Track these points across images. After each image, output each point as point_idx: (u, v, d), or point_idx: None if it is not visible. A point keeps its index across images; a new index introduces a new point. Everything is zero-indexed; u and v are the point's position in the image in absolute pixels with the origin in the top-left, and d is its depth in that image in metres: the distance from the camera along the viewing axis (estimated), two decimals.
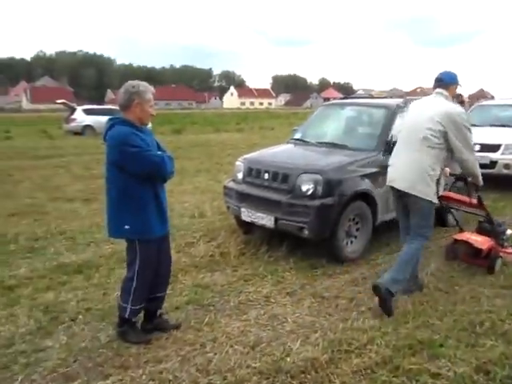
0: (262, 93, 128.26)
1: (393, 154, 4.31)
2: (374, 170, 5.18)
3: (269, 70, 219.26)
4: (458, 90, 4.43)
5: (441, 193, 4.16)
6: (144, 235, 3.27)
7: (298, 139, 6.21)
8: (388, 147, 5.33)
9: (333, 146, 5.62)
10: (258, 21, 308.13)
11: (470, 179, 4.51)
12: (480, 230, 5.08)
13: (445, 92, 4.07)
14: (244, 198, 5.34)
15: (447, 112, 3.88)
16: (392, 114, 5.61)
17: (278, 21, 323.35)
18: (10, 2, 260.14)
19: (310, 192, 4.80)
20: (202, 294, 4.18)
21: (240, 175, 5.56)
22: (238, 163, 5.70)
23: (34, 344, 3.33)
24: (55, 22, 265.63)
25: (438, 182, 3.96)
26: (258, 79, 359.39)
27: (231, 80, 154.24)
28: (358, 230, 5.16)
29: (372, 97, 9.47)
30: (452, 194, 4.98)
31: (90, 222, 6.40)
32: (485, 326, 3.65)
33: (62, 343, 3.34)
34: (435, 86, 4.14)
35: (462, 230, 5.17)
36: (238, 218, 5.58)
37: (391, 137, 5.39)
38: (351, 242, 5.13)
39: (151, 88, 3.34)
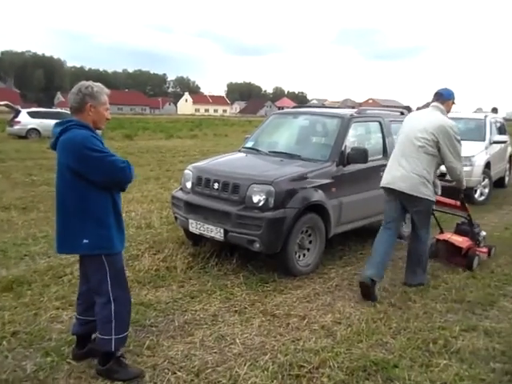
0: (217, 100, 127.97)
1: (391, 159, 4.70)
2: (327, 181, 5.05)
3: (224, 78, 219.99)
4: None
5: (439, 193, 4.65)
6: (106, 250, 2.90)
7: (249, 148, 6.00)
8: (342, 158, 5.23)
9: (285, 155, 5.45)
10: (214, 28, 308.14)
11: (454, 183, 4.91)
12: (459, 231, 5.57)
13: (441, 106, 4.55)
14: (192, 208, 5.07)
15: (441, 125, 4.36)
16: (346, 124, 5.51)
17: (233, 29, 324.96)
18: None
19: (261, 203, 4.60)
20: (144, 314, 3.87)
21: (189, 184, 5.28)
22: (186, 172, 5.43)
23: None
24: (1, 20, 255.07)
25: (434, 184, 4.49)
26: (213, 86, 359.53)
27: (186, 86, 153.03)
28: (310, 242, 5.01)
29: (324, 106, 9.44)
30: (441, 198, 5.12)
31: (25, 234, 5.92)
32: (438, 344, 3.56)
33: None
34: (434, 100, 4.62)
35: (442, 231, 5.61)
36: (186, 229, 5.30)
37: (345, 147, 5.28)
38: (304, 255, 4.97)
39: (106, 90, 3.01)
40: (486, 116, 10.21)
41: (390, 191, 4.59)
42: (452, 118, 6.11)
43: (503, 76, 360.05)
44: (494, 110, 11.36)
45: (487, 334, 3.77)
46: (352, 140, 5.48)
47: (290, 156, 5.43)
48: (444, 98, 4.60)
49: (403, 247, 6.04)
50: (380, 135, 6.01)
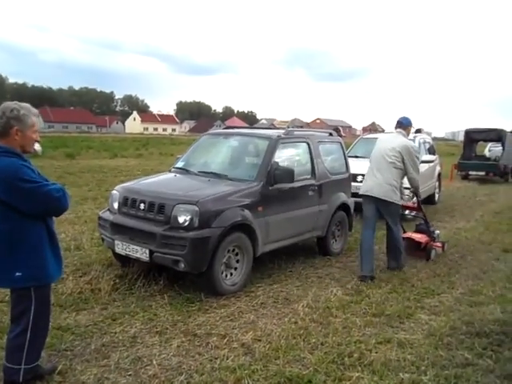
0: (166, 119, 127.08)
1: (367, 172, 5.93)
2: (254, 200, 5.14)
3: (173, 97, 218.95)
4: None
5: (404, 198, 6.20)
6: (41, 281, 2.83)
7: (179, 168, 6.03)
8: (269, 178, 5.35)
9: (214, 175, 5.51)
10: (162, 47, 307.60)
11: (412, 190, 6.32)
12: (418, 230, 6.92)
13: (403, 131, 5.89)
14: (118, 229, 5.02)
15: (405, 145, 5.69)
16: (274, 144, 5.65)
17: (182, 48, 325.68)
18: None
19: (186, 223, 4.62)
20: (60, 338, 3.77)
21: (115, 205, 5.23)
22: (113, 192, 5.38)
23: None
24: None
25: (400, 191, 5.79)
26: (163, 105, 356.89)
27: (134, 105, 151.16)
28: (238, 261, 5.06)
29: (250, 127, 9.64)
30: (406, 203, 6.86)
31: None
32: (353, 357, 3.68)
33: None
34: (396, 127, 5.96)
35: (404, 231, 6.78)
36: (113, 250, 5.22)
37: (271, 167, 5.41)
38: (231, 274, 5.01)
39: (34, 110, 2.89)
40: (415, 137, 10.74)
41: (367, 197, 5.79)
42: None
43: (444, 97, 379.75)
44: (418, 131, 11.94)
45: (400, 346, 3.93)
46: (279, 160, 5.62)
47: (218, 176, 5.50)
48: (404, 125, 5.93)
49: (332, 264, 6.25)
50: (308, 156, 6.20)
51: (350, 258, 6.62)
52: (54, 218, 3.04)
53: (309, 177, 6.11)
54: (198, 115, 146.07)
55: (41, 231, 2.84)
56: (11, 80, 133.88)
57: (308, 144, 6.22)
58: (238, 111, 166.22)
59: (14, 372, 2.87)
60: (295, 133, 6.42)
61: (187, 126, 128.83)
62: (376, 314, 4.57)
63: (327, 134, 7.01)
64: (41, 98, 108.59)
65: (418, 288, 5.39)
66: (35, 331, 2.88)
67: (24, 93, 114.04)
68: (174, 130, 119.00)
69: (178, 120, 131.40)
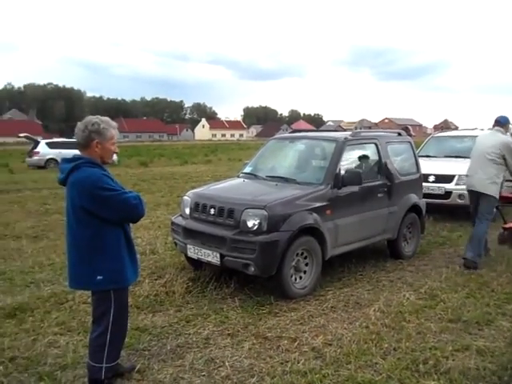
0: (234, 124, 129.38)
1: (469, 169, 6.27)
2: (322, 203, 5.12)
3: (240, 103, 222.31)
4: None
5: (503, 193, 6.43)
6: (120, 284, 3.01)
7: (247, 173, 6.13)
8: (337, 180, 5.31)
9: (281, 180, 5.56)
10: (227, 54, 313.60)
11: None
12: None
13: (501, 129, 6.19)
14: (190, 233, 5.19)
15: (504, 142, 6.00)
16: (340, 147, 5.60)
17: (247, 55, 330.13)
18: None
19: (255, 227, 4.69)
20: (138, 338, 3.96)
21: (187, 210, 5.42)
22: (185, 198, 5.57)
23: None
24: (24, 55, 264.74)
25: (501, 186, 6.15)
26: (230, 111, 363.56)
27: (203, 112, 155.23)
28: (307, 265, 5.06)
29: (316, 130, 9.58)
30: (505, 193, 6.79)
31: (32, 262, 6.11)
32: (428, 364, 3.57)
33: None
34: (494, 125, 6.28)
35: (505, 222, 6.67)
36: (185, 254, 5.41)
37: (339, 170, 5.37)
38: (300, 278, 5.02)
39: (114, 124, 3.07)
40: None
41: (470, 192, 6.25)
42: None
43: None
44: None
45: (480, 354, 3.75)
46: (347, 162, 5.56)
47: (286, 180, 5.54)
48: (501, 123, 6.25)
49: (404, 267, 6.08)
50: (376, 157, 6.08)
51: (423, 261, 6.40)
52: (132, 224, 3.21)
53: (377, 178, 6.00)
54: (264, 120, 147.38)
55: (119, 237, 3.00)
56: (89, 94, 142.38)
57: (376, 145, 6.10)
58: (304, 114, 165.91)
59: (97, 370, 3.05)
60: (362, 134, 6.33)
61: (254, 130, 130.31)
62: (452, 320, 4.39)
63: (396, 134, 6.84)
64: (116, 109, 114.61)
65: (498, 293, 5.10)
66: (115, 331, 3.05)
67: (100, 106, 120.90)
68: (241, 135, 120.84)
69: (245, 125, 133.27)
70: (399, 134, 6.84)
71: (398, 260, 6.33)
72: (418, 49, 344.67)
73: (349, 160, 5.69)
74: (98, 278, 2.92)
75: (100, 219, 2.89)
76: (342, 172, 5.36)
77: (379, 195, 5.92)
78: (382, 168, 6.06)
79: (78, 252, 2.96)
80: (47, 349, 3.77)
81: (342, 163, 5.48)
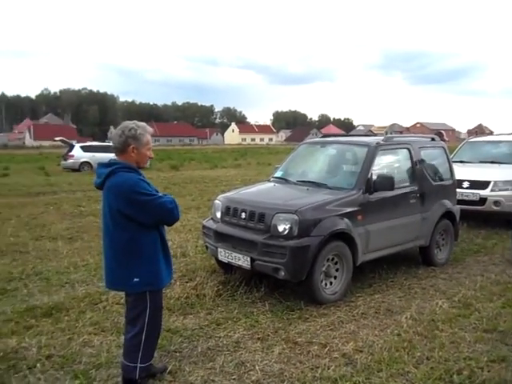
0: (263, 129, 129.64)
1: None
2: (353, 209, 5.09)
3: (270, 107, 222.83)
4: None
5: None
6: (154, 286, 3.07)
7: (278, 177, 6.14)
8: (368, 186, 5.27)
9: (312, 184, 5.54)
10: (257, 59, 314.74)
11: None
12: None
13: None
14: (221, 237, 5.24)
15: None
16: (373, 152, 5.55)
17: (277, 60, 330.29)
18: (14, 41, 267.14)
19: (285, 232, 4.70)
20: (170, 340, 4.01)
21: (218, 214, 5.47)
22: (216, 201, 5.62)
23: None
24: (60, 61, 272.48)
25: None
26: (260, 116, 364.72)
27: (233, 116, 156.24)
28: (337, 270, 5.03)
29: (347, 134, 9.50)
30: None
31: (68, 262, 6.27)
32: (463, 375, 3.49)
33: None
34: None
35: None
36: (216, 257, 5.45)
37: (371, 175, 5.32)
38: (330, 283, 4.99)
39: (150, 129, 3.13)
40: None
41: None
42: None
43: None
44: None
45: None
46: (378, 167, 5.51)
47: (317, 185, 5.52)
48: None
49: (436, 275, 5.96)
50: (409, 162, 6.00)
51: (457, 269, 6.26)
52: (166, 227, 3.26)
53: (410, 184, 5.91)
54: (294, 124, 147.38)
55: (155, 240, 3.06)
56: (122, 99, 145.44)
57: (409, 150, 6.02)
58: (334, 119, 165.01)
59: (131, 369, 3.11)
60: (395, 139, 6.25)
61: (283, 135, 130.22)
62: (488, 330, 4.28)
63: (429, 139, 6.74)
64: (148, 114, 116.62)
65: None
66: (149, 332, 3.10)
67: (133, 110, 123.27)
68: (270, 139, 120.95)
69: (274, 129, 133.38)
70: (433, 139, 6.73)
71: (430, 267, 6.21)
72: (452, 51, 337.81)
73: (381, 165, 5.63)
74: (135, 280, 2.98)
75: (137, 223, 2.94)
76: (374, 177, 5.31)
77: (412, 201, 5.84)
78: (414, 173, 5.97)
79: (115, 254, 3.02)
80: (82, 348, 3.86)
81: (373, 168, 5.43)
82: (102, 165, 3.09)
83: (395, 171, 5.90)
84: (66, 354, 3.75)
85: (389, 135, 6.75)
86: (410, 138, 6.59)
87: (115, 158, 3.10)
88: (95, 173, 3.14)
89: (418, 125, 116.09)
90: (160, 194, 3.02)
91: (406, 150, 6.02)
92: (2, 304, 4.82)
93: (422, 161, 6.11)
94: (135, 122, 3.11)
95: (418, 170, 5.99)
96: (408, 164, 6.02)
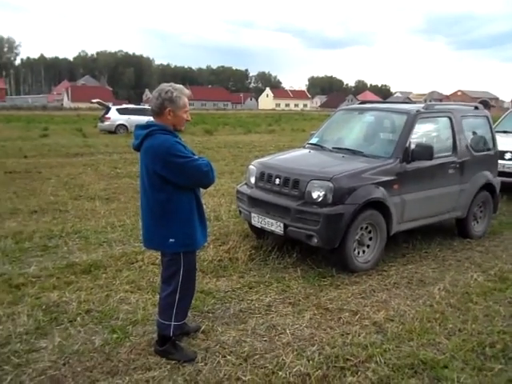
0: (298, 94, 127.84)
1: None
2: (389, 178, 5.00)
3: (305, 72, 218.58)
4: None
5: None
6: (189, 247, 3.13)
7: (314, 144, 6.07)
8: (406, 155, 5.15)
9: (348, 152, 5.46)
10: (294, 22, 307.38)
11: None
12: None
13: None
14: (255, 202, 5.26)
15: None
16: (412, 120, 5.39)
17: (314, 23, 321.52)
18: (53, 4, 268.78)
19: (320, 199, 4.67)
20: (203, 301, 4.11)
21: (252, 179, 5.47)
22: (251, 167, 5.62)
23: (28, 344, 3.35)
24: (97, 23, 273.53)
25: None
26: (295, 81, 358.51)
27: (267, 81, 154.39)
28: (371, 239, 5.00)
29: (384, 101, 9.20)
30: None
31: (105, 222, 6.45)
32: (496, 348, 3.47)
33: (55, 345, 3.33)
34: None
35: None
36: (249, 222, 5.50)
37: (409, 144, 5.19)
38: (363, 252, 4.97)
39: (187, 92, 3.09)
40: None
41: None
42: None
43: None
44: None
45: None
46: (417, 136, 5.36)
47: (353, 152, 5.43)
48: None
49: (472, 247, 5.86)
50: (450, 131, 5.81)
51: (494, 242, 6.13)
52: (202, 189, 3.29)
53: (450, 154, 5.75)
54: (329, 90, 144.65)
55: (191, 202, 3.09)
56: (157, 62, 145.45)
57: (450, 119, 5.82)
58: (370, 85, 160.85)
59: (166, 327, 3.20)
60: (436, 107, 6.04)
61: (318, 101, 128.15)
62: None
63: (472, 108, 6.48)
64: (183, 77, 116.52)
65: None
66: (183, 292, 3.18)
67: (168, 73, 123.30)
68: (305, 105, 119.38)
69: (309, 95, 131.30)
70: (476, 108, 6.48)
71: (466, 239, 6.10)
72: (500, 13, 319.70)
73: (420, 134, 5.48)
74: (171, 240, 3.03)
75: (173, 184, 2.97)
76: (413, 146, 5.18)
77: (450, 171, 5.68)
78: (455, 143, 5.79)
79: (152, 215, 3.07)
80: (119, 305, 4.01)
81: (412, 137, 5.29)
82: (139, 127, 3.10)
83: (434, 140, 5.74)
84: (103, 309, 3.91)
85: (430, 103, 6.53)
86: (451, 106, 6.36)
87: (153, 120, 3.11)
88: (133, 134, 3.17)
89: (459, 93, 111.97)
90: (196, 157, 3.02)
91: (446, 119, 5.83)
92: (44, 260, 5.03)
93: (463, 130, 5.91)
94: (172, 84, 3.08)
95: (458, 140, 5.80)
96: (448, 133, 5.83)
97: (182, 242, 3.06)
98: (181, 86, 3.10)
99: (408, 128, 5.32)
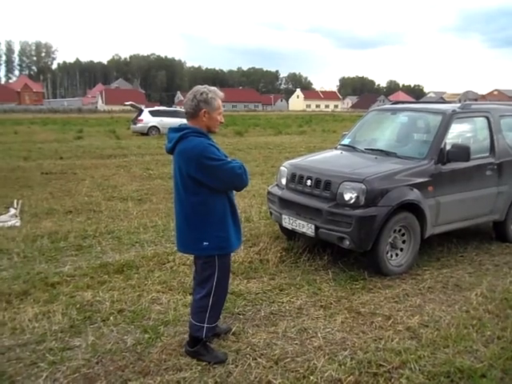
0: (328, 95, 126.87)
1: None
2: (424, 179, 4.88)
3: (336, 72, 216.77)
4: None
5: None
6: (223, 250, 3.12)
7: (346, 145, 5.99)
8: (441, 156, 5.02)
9: (381, 153, 5.36)
10: (324, 23, 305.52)
11: None
12: None
13: None
14: (286, 204, 5.23)
15: None
16: (447, 120, 5.25)
17: (344, 23, 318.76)
18: (89, 9, 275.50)
19: (352, 201, 4.60)
20: (234, 302, 4.11)
21: (283, 181, 5.44)
22: (282, 168, 5.59)
23: (63, 342, 3.41)
24: (130, 27, 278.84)
25: None
26: (325, 81, 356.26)
27: (298, 82, 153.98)
28: (404, 242, 4.89)
29: (418, 102, 9.00)
30: None
31: (138, 223, 6.53)
32: None
33: (89, 343, 3.39)
34: None
35: None
36: (280, 224, 5.47)
37: (445, 144, 5.06)
38: (396, 255, 4.87)
39: (220, 93, 3.11)
40: None
41: None
42: None
43: None
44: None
45: None
46: (453, 136, 5.22)
47: (386, 153, 5.33)
48: None
49: (511, 251, 5.66)
50: (487, 131, 5.64)
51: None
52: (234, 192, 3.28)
53: (487, 155, 5.57)
54: (360, 90, 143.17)
55: (225, 204, 3.08)
56: (188, 64, 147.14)
57: (488, 118, 5.65)
58: (403, 85, 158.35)
59: (198, 329, 3.20)
60: (472, 106, 5.86)
61: (349, 101, 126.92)
62: None
63: (511, 107, 6.27)
64: (213, 79, 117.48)
65: None
66: (217, 295, 3.17)
67: (199, 75, 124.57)
68: (336, 106, 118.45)
69: (340, 96, 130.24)
70: None
71: (504, 243, 5.90)
72: None
73: (456, 134, 5.33)
74: (205, 243, 3.03)
75: (207, 187, 2.97)
76: (448, 147, 5.05)
77: (488, 173, 5.51)
78: (492, 144, 5.61)
79: (186, 218, 3.07)
80: (151, 305, 4.04)
81: (448, 137, 5.15)
82: (173, 129, 3.10)
83: (471, 141, 5.58)
84: (136, 309, 3.95)
85: (466, 102, 6.34)
86: (489, 105, 6.16)
87: (186, 122, 3.12)
88: (166, 137, 3.18)
89: (496, 92, 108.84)
90: (229, 160, 3.01)
91: (484, 119, 5.65)
92: (78, 259, 5.13)
93: (501, 130, 5.72)
94: (206, 86, 3.09)
95: (496, 140, 5.62)
96: (486, 133, 5.66)
97: (216, 245, 3.05)
98: (215, 88, 3.11)
99: (443, 128, 5.18)
